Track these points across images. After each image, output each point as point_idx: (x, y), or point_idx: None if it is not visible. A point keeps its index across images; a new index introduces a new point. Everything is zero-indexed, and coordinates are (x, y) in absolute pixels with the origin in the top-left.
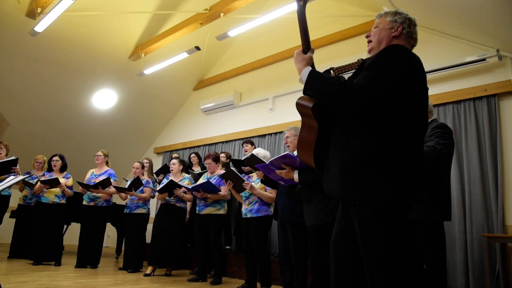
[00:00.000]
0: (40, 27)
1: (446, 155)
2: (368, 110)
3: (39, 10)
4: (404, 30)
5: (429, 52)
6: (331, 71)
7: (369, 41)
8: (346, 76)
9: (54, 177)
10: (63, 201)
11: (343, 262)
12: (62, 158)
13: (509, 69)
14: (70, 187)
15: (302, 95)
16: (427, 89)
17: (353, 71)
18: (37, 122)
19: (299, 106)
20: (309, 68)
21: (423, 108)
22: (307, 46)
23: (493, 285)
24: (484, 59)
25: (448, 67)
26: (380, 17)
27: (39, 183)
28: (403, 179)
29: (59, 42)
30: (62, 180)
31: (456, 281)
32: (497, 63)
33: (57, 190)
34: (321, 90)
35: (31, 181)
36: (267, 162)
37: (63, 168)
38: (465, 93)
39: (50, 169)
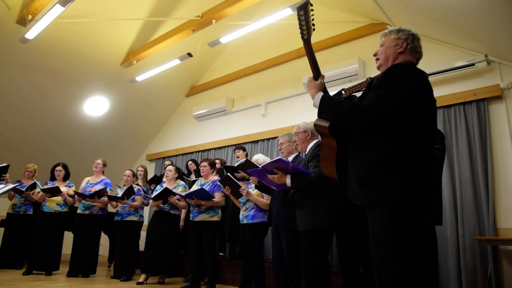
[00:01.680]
0: (31, 34)
1: (437, 160)
2: (376, 128)
3: (29, 17)
4: (409, 45)
5: None
6: (342, 92)
7: (377, 59)
8: (358, 93)
9: (55, 185)
10: (65, 209)
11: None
12: (65, 167)
13: (498, 74)
14: (72, 196)
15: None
16: (435, 100)
17: (363, 89)
18: (27, 129)
19: (317, 127)
20: (321, 94)
21: (431, 119)
22: (317, 72)
23: (486, 287)
24: (473, 64)
25: (438, 72)
26: (384, 35)
27: (41, 192)
28: (412, 185)
29: (50, 49)
30: (64, 189)
31: (449, 284)
32: (485, 68)
33: (58, 198)
34: (333, 114)
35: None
36: (260, 167)
37: (66, 177)
38: (455, 97)
39: (53, 178)
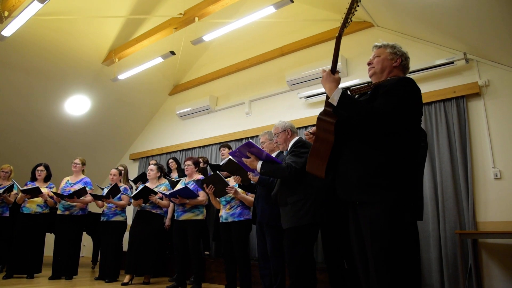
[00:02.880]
0: (8, 31)
1: (420, 158)
2: (389, 130)
3: (6, 13)
4: (402, 62)
5: None
6: (348, 92)
7: (372, 67)
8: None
9: (35, 186)
10: (46, 210)
11: (362, 258)
12: (47, 168)
13: (476, 71)
14: (53, 197)
15: (324, 109)
16: (422, 115)
17: (367, 92)
18: (5, 130)
19: (321, 121)
20: (340, 90)
21: (418, 130)
22: (335, 66)
23: (466, 279)
24: (453, 62)
25: (419, 70)
26: (378, 48)
27: (20, 193)
28: (407, 185)
29: (28, 47)
30: (45, 190)
31: (431, 277)
32: (464, 66)
33: (39, 199)
34: (352, 112)
35: None
36: (236, 149)
37: (47, 178)
38: (435, 95)
39: (33, 179)
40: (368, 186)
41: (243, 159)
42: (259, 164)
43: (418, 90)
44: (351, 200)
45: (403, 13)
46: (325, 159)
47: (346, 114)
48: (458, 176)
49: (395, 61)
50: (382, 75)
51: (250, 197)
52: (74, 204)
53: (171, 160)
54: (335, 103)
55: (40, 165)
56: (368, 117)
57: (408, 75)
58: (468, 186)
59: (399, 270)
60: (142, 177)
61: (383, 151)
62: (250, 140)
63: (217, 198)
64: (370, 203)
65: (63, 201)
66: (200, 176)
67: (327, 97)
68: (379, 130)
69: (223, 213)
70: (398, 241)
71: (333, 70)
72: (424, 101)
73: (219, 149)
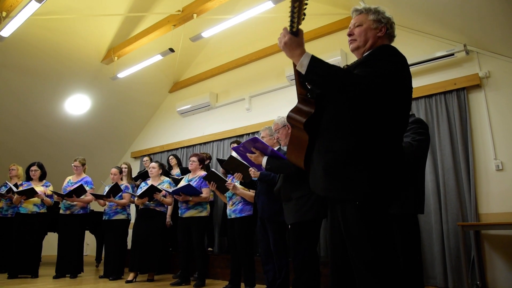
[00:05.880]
0: (6, 32)
1: (421, 151)
2: (363, 102)
3: (4, 14)
4: (388, 30)
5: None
6: None
7: (353, 40)
8: None
9: (30, 187)
10: (43, 210)
11: (338, 257)
12: (40, 166)
13: (476, 63)
14: (50, 196)
15: (296, 105)
16: (411, 88)
17: None
18: (5, 132)
19: (291, 119)
20: (310, 54)
21: (405, 107)
22: (297, 26)
23: (469, 271)
24: (453, 54)
25: (419, 63)
26: (359, 13)
27: (15, 194)
28: (383, 176)
29: (27, 47)
30: (41, 189)
31: (434, 270)
32: (464, 58)
33: (35, 199)
34: (325, 75)
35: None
36: (240, 144)
37: (42, 177)
38: (436, 87)
39: (29, 178)
40: (334, 179)
41: (248, 154)
42: (264, 160)
43: (402, 58)
44: (319, 194)
45: (402, 5)
46: (302, 151)
47: (319, 79)
48: (459, 168)
49: (380, 30)
50: (365, 48)
51: (251, 193)
52: (75, 203)
53: (171, 157)
54: (303, 70)
55: (33, 164)
56: (345, 80)
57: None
58: (470, 178)
59: (379, 268)
60: (142, 175)
61: (355, 134)
62: (256, 136)
63: (223, 194)
64: (338, 199)
65: (64, 201)
66: (203, 173)
67: (296, 72)
68: (353, 98)
69: (228, 209)
70: (373, 238)
71: (295, 31)
72: (424, 93)
73: (230, 144)
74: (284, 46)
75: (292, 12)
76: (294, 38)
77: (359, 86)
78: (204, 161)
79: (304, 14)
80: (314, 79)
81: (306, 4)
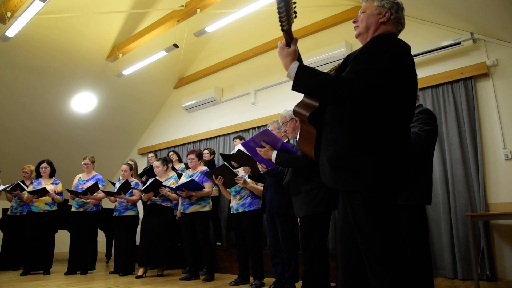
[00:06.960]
0: (11, 31)
1: (429, 141)
2: (360, 103)
3: (8, 14)
4: (392, 15)
5: (405, 38)
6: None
7: (357, 27)
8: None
9: (42, 187)
10: (54, 208)
11: (348, 247)
12: (50, 164)
13: (484, 51)
14: (60, 193)
15: (292, 90)
16: (416, 75)
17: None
18: (16, 129)
19: (297, 113)
20: (296, 63)
21: (411, 96)
22: (289, 37)
23: (479, 261)
24: (459, 43)
25: (425, 52)
26: (366, 1)
27: (27, 193)
28: (389, 167)
29: (32, 47)
30: (51, 187)
31: (443, 261)
32: (471, 46)
33: (47, 198)
34: (311, 86)
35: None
36: (250, 139)
37: (51, 174)
38: (443, 77)
39: (38, 175)
40: (340, 171)
41: (257, 148)
42: (274, 154)
43: (394, 47)
44: (328, 185)
45: None
46: (311, 144)
47: (306, 90)
48: (468, 158)
49: (383, 15)
50: (367, 34)
51: (260, 187)
52: (88, 201)
53: (171, 153)
54: (291, 79)
55: (43, 161)
56: (332, 88)
57: (415, 59)
58: (478, 168)
59: (389, 259)
60: (147, 172)
61: (357, 129)
62: (267, 129)
63: (227, 189)
64: (345, 190)
65: (77, 199)
66: (204, 168)
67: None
68: (350, 102)
69: (234, 203)
70: (382, 228)
71: (288, 40)
72: (431, 83)
73: (233, 140)
74: (279, 53)
75: (279, 12)
76: (285, 48)
77: (353, 94)
78: (202, 155)
79: (295, 13)
80: (302, 91)
81: (295, 3)
